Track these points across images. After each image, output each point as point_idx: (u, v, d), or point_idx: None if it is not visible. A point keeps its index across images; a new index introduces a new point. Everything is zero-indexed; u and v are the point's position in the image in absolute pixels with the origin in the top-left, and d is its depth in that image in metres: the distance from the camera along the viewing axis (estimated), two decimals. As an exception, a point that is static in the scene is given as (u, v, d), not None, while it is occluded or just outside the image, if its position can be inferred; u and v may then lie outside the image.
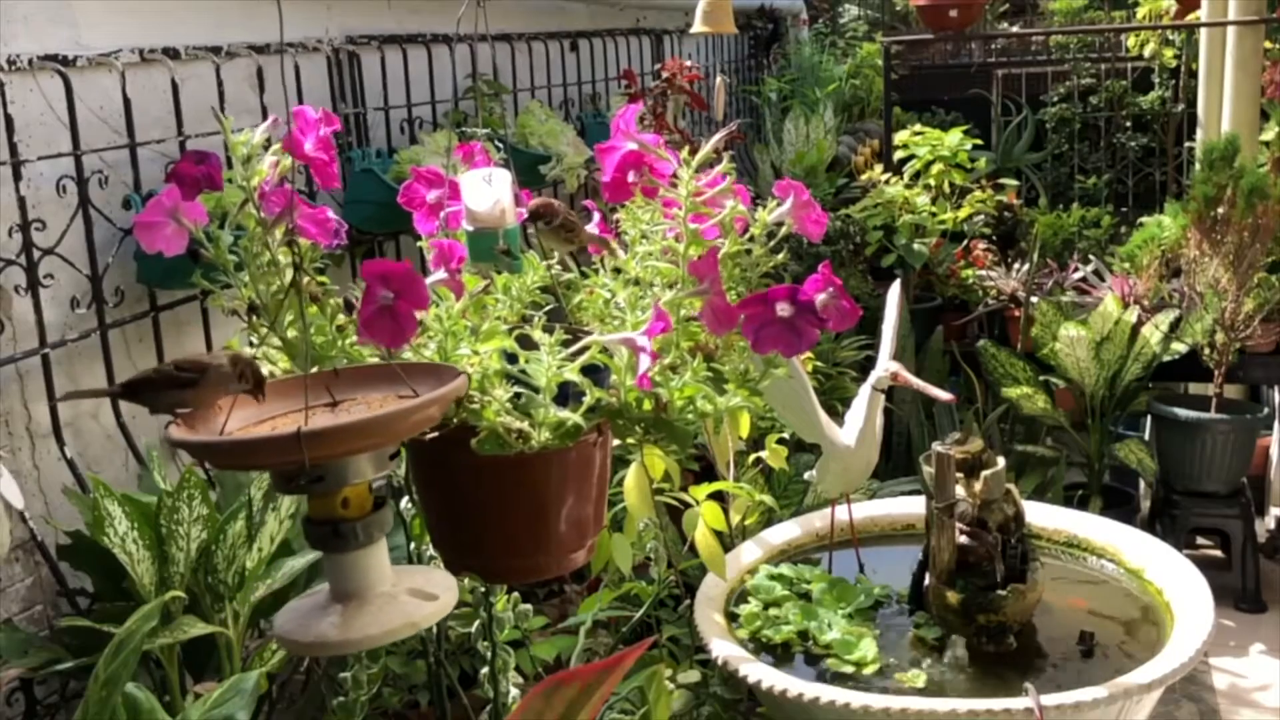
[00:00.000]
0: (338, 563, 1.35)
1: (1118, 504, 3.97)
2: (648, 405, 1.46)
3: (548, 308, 1.63)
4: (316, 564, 2.11)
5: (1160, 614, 2.16)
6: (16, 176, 2.11)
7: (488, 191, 1.50)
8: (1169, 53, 5.00)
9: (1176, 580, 2.20)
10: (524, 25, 3.89)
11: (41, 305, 2.15)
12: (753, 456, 2.74)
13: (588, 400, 1.44)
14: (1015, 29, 6.50)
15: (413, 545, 2.04)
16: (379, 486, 1.36)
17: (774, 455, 2.57)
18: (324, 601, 1.36)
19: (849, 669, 2.05)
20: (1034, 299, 4.04)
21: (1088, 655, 2.07)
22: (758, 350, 1.46)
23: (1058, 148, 5.25)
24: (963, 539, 2.13)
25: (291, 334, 1.49)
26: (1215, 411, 3.82)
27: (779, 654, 2.13)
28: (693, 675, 2.30)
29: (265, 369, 1.52)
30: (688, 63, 4.08)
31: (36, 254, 2.14)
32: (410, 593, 1.36)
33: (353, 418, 1.31)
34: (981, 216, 4.44)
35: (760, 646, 2.14)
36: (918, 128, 4.55)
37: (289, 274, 1.49)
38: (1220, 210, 3.67)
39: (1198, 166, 3.86)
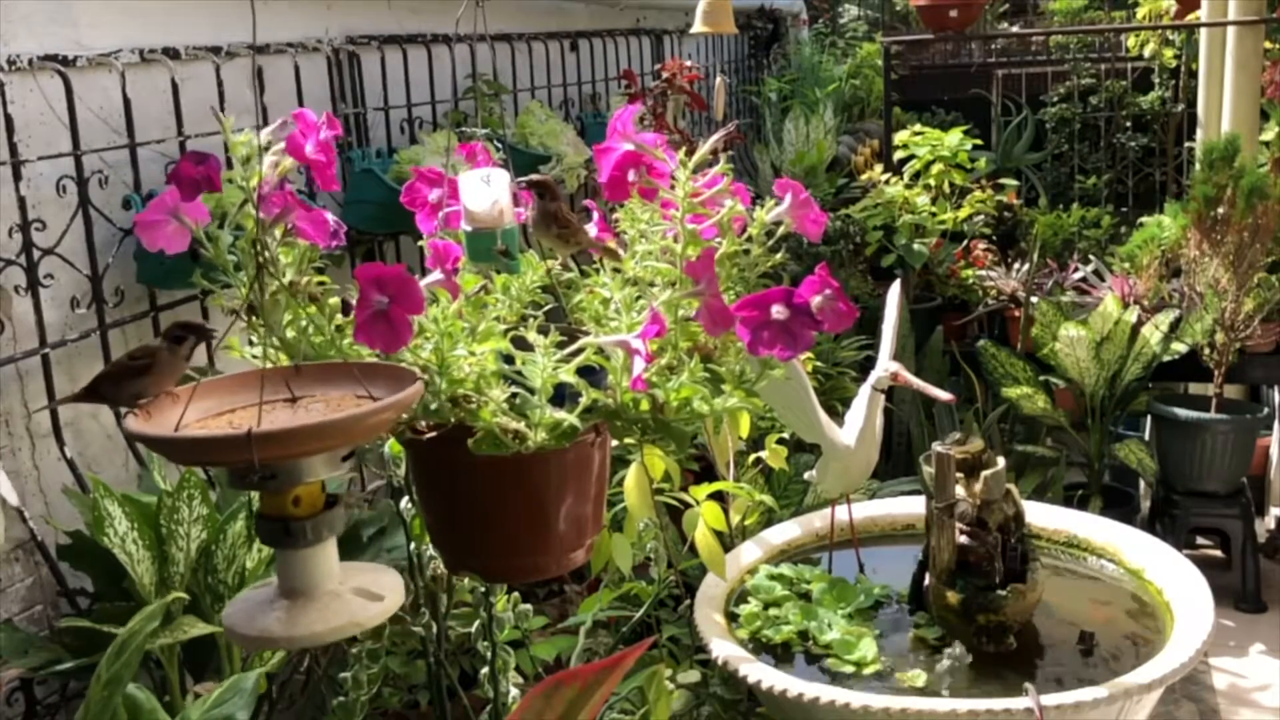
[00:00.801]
0: (287, 559, 1.35)
1: (1118, 504, 3.97)
2: (644, 406, 1.46)
3: (547, 307, 1.63)
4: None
5: (1160, 614, 2.16)
6: (16, 176, 2.11)
7: (486, 192, 1.50)
8: (1169, 53, 5.00)
9: (1176, 580, 2.20)
10: (524, 25, 3.89)
11: (41, 305, 2.15)
12: (753, 456, 2.74)
13: (584, 401, 1.44)
14: (1015, 29, 6.50)
15: (413, 545, 2.04)
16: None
17: (774, 455, 2.57)
18: (271, 596, 1.36)
19: (849, 669, 2.05)
20: (1034, 299, 4.04)
21: (1088, 655, 2.07)
22: (753, 352, 1.46)
23: (1058, 148, 5.26)
24: (963, 539, 2.13)
25: (290, 334, 1.49)
26: (1215, 411, 3.82)
27: (779, 654, 2.13)
28: (693, 675, 2.30)
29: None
30: (688, 63, 4.08)
31: (36, 254, 2.14)
32: (356, 592, 1.37)
33: (307, 419, 1.32)
34: (981, 216, 4.44)
35: (760, 646, 2.14)
36: (918, 128, 4.55)
37: (289, 274, 1.49)
38: (1220, 210, 3.67)
39: (1198, 166, 3.86)
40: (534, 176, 1.58)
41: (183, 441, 1.31)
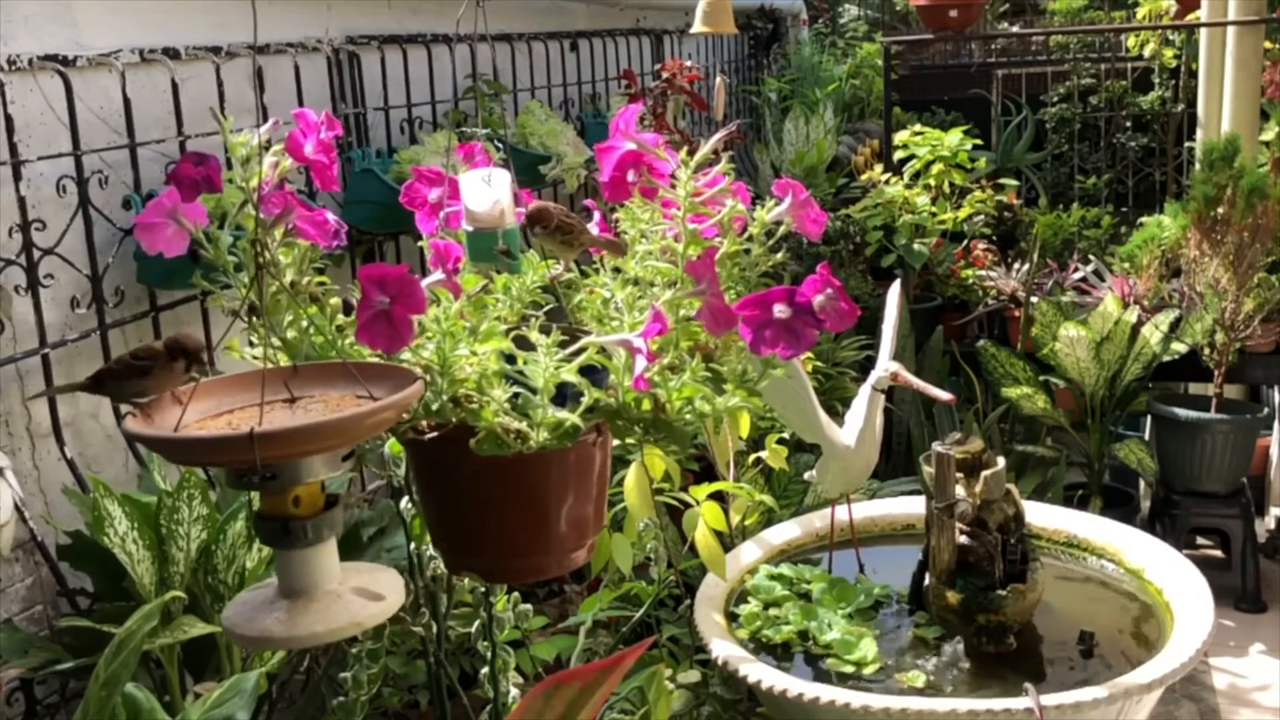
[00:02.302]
0: (287, 559, 1.35)
1: (1118, 504, 3.97)
2: (646, 405, 1.46)
3: (547, 307, 1.63)
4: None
5: (1160, 614, 2.16)
6: (16, 176, 2.11)
7: (487, 192, 1.50)
8: (1169, 53, 5.00)
9: (1176, 580, 2.20)
10: (524, 25, 3.89)
11: (41, 305, 2.15)
12: (753, 456, 2.74)
13: (585, 401, 1.44)
14: (1015, 29, 6.50)
15: (413, 545, 2.04)
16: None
17: (774, 455, 2.57)
18: (272, 596, 1.36)
19: (849, 669, 2.05)
20: (1034, 299, 4.04)
21: (1088, 655, 2.07)
22: (755, 351, 1.46)
23: (1058, 148, 5.25)
24: (963, 539, 2.13)
25: (291, 334, 1.49)
26: (1215, 411, 3.82)
27: (779, 654, 2.13)
28: (693, 675, 2.30)
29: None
30: (688, 63, 4.08)
31: (36, 254, 2.14)
32: (356, 592, 1.36)
33: (308, 419, 1.32)
34: (981, 216, 4.44)
35: (760, 646, 2.14)
36: (918, 128, 4.55)
37: (289, 274, 1.49)
38: (1220, 210, 3.67)
39: (1198, 166, 3.86)
40: (529, 211, 1.55)
41: (183, 442, 1.31)
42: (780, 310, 1.44)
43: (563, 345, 1.46)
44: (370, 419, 1.27)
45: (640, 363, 1.37)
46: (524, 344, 1.49)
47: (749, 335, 1.45)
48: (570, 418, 1.42)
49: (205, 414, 1.36)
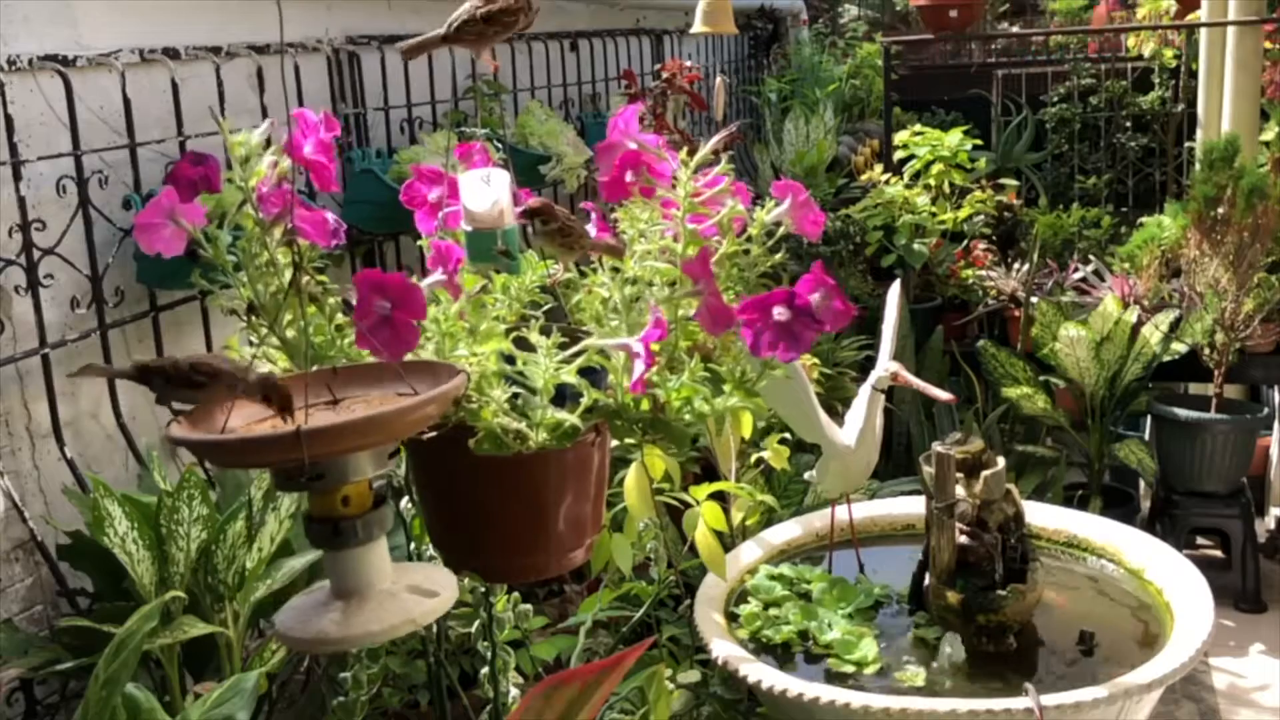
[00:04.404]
0: (338, 560, 1.35)
1: (1118, 504, 3.97)
2: (645, 406, 1.46)
3: (546, 307, 1.63)
4: (316, 564, 2.11)
5: (1160, 614, 2.16)
6: (16, 176, 2.11)
7: (486, 192, 1.50)
8: (1169, 53, 5.00)
9: (1176, 580, 2.20)
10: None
11: (41, 305, 2.15)
12: (754, 456, 2.74)
13: (585, 401, 1.44)
14: (1015, 29, 6.50)
15: (413, 545, 2.04)
16: (379, 485, 1.36)
17: (775, 455, 2.57)
18: (325, 598, 1.36)
19: (849, 669, 2.05)
20: (1034, 299, 4.04)
21: (1088, 655, 2.07)
22: (756, 354, 1.46)
23: (1058, 148, 5.25)
24: (963, 539, 2.13)
25: (291, 334, 1.49)
26: (1215, 411, 3.82)
27: (779, 654, 2.13)
28: (693, 675, 2.30)
29: (264, 368, 1.52)
30: (688, 63, 4.08)
31: (36, 254, 2.14)
32: (410, 590, 1.37)
33: (353, 416, 1.32)
34: (981, 216, 4.44)
35: (760, 646, 2.14)
36: (918, 128, 4.55)
37: (288, 274, 1.49)
38: (1220, 210, 3.68)
39: (1198, 166, 3.86)
40: (532, 204, 1.55)
41: (231, 444, 1.31)
42: (780, 313, 1.45)
43: (562, 347, 1.46)
44: (414, 413, 1.28)
45: (639, 367, 1.37)
46: (523, 345, 1.49)
47: (749, 338, 1.46)
48: (570, 418, 1.42)
49: (249, 419, 1.36)
